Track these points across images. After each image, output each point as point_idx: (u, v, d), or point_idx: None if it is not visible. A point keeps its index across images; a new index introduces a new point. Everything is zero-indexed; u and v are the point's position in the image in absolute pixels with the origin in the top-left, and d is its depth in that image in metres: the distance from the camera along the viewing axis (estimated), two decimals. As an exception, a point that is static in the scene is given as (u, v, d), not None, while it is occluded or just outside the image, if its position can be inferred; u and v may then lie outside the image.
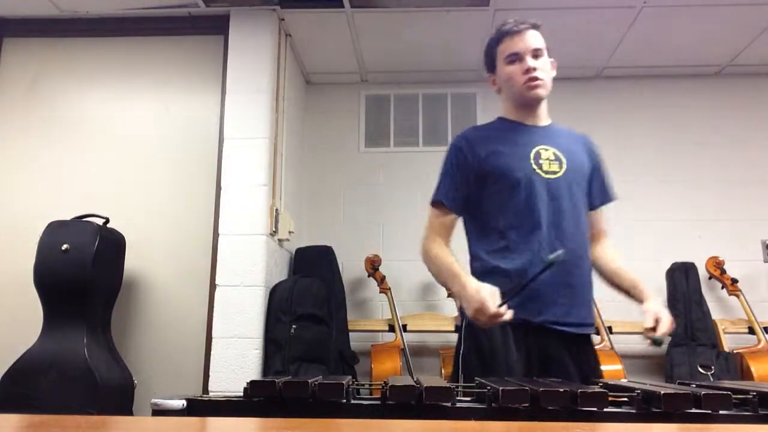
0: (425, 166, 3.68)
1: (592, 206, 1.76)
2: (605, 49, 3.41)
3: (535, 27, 1.70)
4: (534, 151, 1.65)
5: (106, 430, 0.75)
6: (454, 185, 1.70)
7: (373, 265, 3.35)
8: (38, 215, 2.83)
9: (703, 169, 3.58)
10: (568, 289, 1.60)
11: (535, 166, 1.63)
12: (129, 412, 2.64)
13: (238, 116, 2.97)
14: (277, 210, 2.99)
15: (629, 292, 1.66)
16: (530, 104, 1.70)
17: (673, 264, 3.33)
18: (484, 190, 1.67)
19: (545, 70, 1.68)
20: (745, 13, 3.03)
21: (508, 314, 1.42)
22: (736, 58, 3.48)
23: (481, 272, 1.63)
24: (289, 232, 3.15)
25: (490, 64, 1.76)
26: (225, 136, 2.96)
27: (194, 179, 3.02)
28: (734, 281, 3.24)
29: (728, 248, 3.39)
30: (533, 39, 1.67)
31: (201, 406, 0.92)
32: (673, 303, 3.25)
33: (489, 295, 1.43)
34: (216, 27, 3.11)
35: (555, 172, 1.64)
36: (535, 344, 1.56)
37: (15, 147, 3.10)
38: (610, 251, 1.77)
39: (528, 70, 1.65)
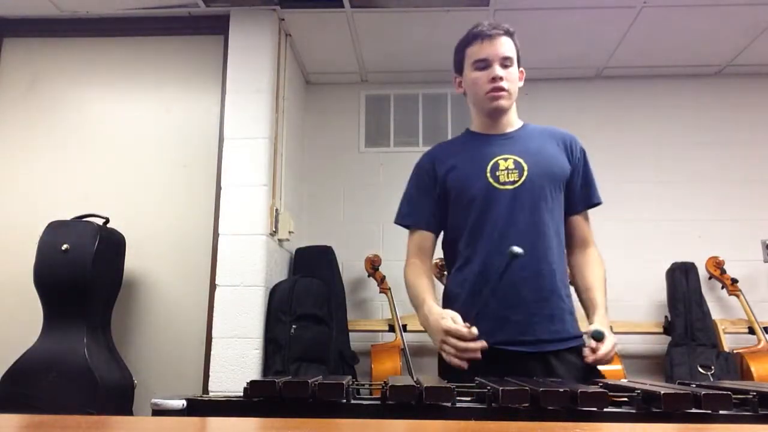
0: (425, 166, 3.69)
1: (575, 210, 1.66)
2: (605, 49, 3.41)
3: (508, 33, 1.63)
4: (492, 162, 1.60)
5: (106, 430, 0.75)
6: (410, 204, 1.72)
7: (373, 265, 3.35)
8: (38, 215, 2.82)
9: (703, 169, 3.58)
10: (522, 304, 1.51)
11: (491, 179, 1.58)
12: (129, 412, 2.64)
13: (238, 116, 2.97)
14: (277, 210, 2.99)
15: (587, 313, 1.57)
16: (492, 114, 1.65)
17: (673, 264, 3.33)
18: (447, 208, 1.66)
19: (511, 80, 1.61)
20: (745, 13, 3.03)
21: (480, 343, 1.37)
22: (736, 58, 3.48)
23: (443, 297, 1.65)
24: (289, 232, 3.15)
25: (458, 65, 1.70)
26: (225, 136, 2.96)
27: (194, 179, 3.02)
28: (734, 281, 3.24)
29: (728, 248, 3.39)
30: (504, 47, 1.61)
31: (201, 406, 0.92)
32: (673, 303, 3.25)
33: (451, 322, 1.39)
34: (216, 27, 3.11)
35: (513, 182, 1.57)
36: (497, 371, 1.32)
37: (15, 147, 3.10)
38: (585, 265, 1.63)
39: (494, 79, 1.59)
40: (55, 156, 3.08)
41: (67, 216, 2.76)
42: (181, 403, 0.91)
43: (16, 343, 2.56)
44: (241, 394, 0.94)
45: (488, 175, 1.59)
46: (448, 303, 1.63)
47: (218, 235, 2.84)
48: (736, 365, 3.01)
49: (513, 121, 1.69)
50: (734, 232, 3.47)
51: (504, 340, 1.48)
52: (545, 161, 1.61)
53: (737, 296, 3.22)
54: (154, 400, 0.92)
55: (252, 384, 0.93)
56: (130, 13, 3.12)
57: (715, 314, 3.27)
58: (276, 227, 2.96)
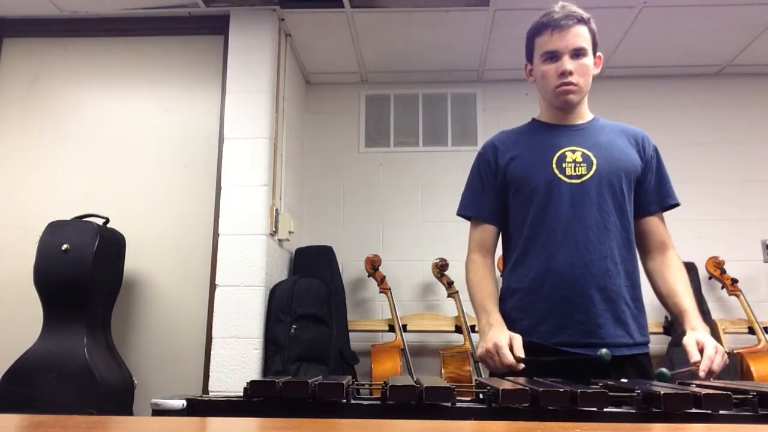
0: (425, 166, 3.70)
1: (650, 211, 1.61)
2: (605, 49, 3.38)
3: (581, 21, 1.54)
4: (558, 154, 1.53)
5: (106, 430, 0.75)
6: (474, 195, 1.64)
7: (373, 265, 3.35)
8: (38, 215, 2.83)
9: (703, 169, 3.58)
10: (588, 304, 1.44)
11: (556, 171, 1.51)
12: (129, 412, 2.64)
13: (238, 116, 2.97)
14: (277, 210, 2.99)
15: (677, 320, 1.49)
16: (561, 108, 1.59)
17: (673, 264, 3.32)
18: (507, 199, 1.59)
19: (583, 72, 1.54)
20: (745, 13, 3.03)
21: (519, 366, 1.34)
22: (736, 58, 3.48)
23: (501, 293, 1.57)
24: (289, 232, 3.15)
25: (528, 54, 1.61)
26: (225, 136, 2.96)
27: (194, 179, 3.02)
28: (734, 281, 3.24)
29: (728, 248, 3.39)
30: (576, 37, 1.52)
31: (201, 406, 0.92)
32: (673, 303, 3.25)
33: (502, 348, 1.35)
34: (216, 27, 3.11)
35: (581, 176, 1.50)
36: (557, 376, 1.18)
37: (15, 147, 3.10)
38: (666, 269, 1.56)
39: (563, 73, 1.51)
40: (55, 156, 3.08)
41: (67, 216, 2.76)
42: (181, 403, 0.91)
43: (16, 343, 2.56)
44: (241, 394, 0.94)
45: (553, 166, 1.52)
46: (506, 299, 1.55)
47: (218, 235, 2.84)
48: (736, 365, 3.00)
49: (584, 114, 1.63)
50: (734, 232, 3.47)
51: (569, 342, 1.43)
52: (615, 156, 1.54)
53: (737, 296, 3.22)
54: (154, 400, 0.92)
55: (252, 384, 0.92)
56: (130, 13, 3.12)
57: (715, 314, 3.27)
58: (276, 227, 2.96)
